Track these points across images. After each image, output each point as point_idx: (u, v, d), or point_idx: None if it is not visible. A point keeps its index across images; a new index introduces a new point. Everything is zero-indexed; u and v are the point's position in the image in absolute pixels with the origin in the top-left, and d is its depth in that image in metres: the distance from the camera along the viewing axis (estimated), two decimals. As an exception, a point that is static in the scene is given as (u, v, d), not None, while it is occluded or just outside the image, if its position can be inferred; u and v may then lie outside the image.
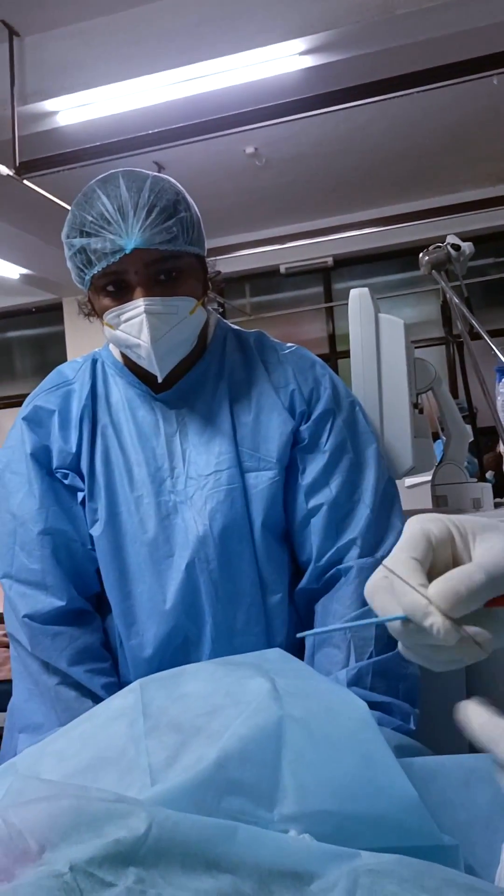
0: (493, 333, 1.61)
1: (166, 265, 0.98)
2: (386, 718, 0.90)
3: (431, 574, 0.50)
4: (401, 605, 0.49)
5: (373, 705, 0.86)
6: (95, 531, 1.06)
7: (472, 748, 1.07)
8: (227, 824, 0.60)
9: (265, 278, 6.51)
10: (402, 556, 0.51)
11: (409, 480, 2.13)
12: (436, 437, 1.84)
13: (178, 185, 1.03)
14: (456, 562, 0.51)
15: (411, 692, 0.96)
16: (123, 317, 0.98)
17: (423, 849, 0.66)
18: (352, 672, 0.94)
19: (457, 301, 1.46)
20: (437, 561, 0.51)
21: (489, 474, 4.34)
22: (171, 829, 0.57)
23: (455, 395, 4.17)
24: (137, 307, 0.97)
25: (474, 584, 0.47)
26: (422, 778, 0.75)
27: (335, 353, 6.48)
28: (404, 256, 5.84)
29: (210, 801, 0.66)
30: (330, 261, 6.03)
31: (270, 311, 6.67)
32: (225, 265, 5.70)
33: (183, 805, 0.63)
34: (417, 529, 0.52)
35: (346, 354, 1.20)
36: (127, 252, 0.95)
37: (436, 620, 0.47)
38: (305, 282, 6.63)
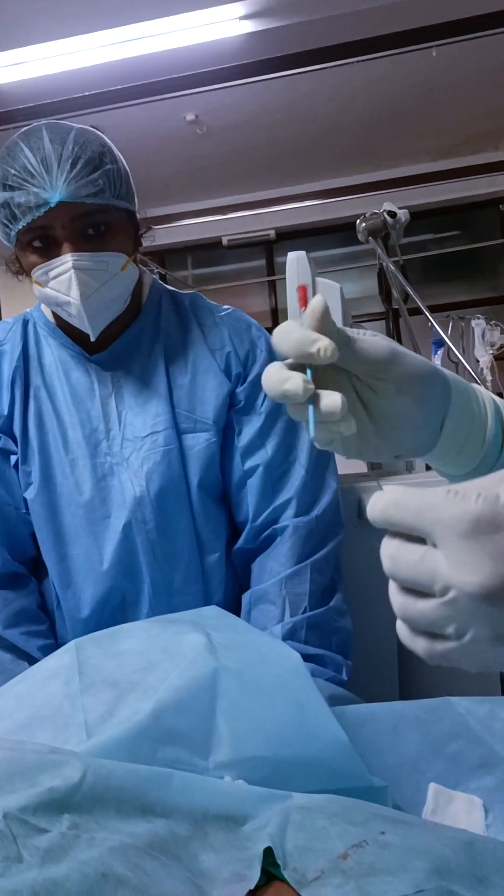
0: (432, 309, 1.63)
1: (93, 219, 0.96)
2: (319, 670, 0.92)
3: None
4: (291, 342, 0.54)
5: (307, 657, 0.88)
6: (30, 494, 1.05)
7: (401, 696, 1.11)
8: (162, 771, 0.61)
9: (207, 250, 6.44)
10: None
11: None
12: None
13: (104, 137, 1.00)
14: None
15: (344, 645, 0.99)
16: (51, 273, 0.96)
17: (354, 790, 0.68)
18: (287, 626, 0.96)
19: (392, 269, 1.48)
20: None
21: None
22: (106, 776, 0.58)
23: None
24: (65, 263, 0.95)
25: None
26: (353, 724, 0.78)
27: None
28: (345, 231, 5.85)
29: (146, 751, 0.67)
30: (272, 233, 6.00)
31: (213, 283, 6.61)
32: (166, 235, 5.64)
33: (119, 756, 0.63)
34: None
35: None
36: (52, 205, 0.92)
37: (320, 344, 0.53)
38: (248, 255, 6.59)
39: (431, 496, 0.40)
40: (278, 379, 0.54)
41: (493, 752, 0.76)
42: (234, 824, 0.60)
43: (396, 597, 0.42)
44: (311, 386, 0.53)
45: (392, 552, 0.41)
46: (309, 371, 0.54)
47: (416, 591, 0.40)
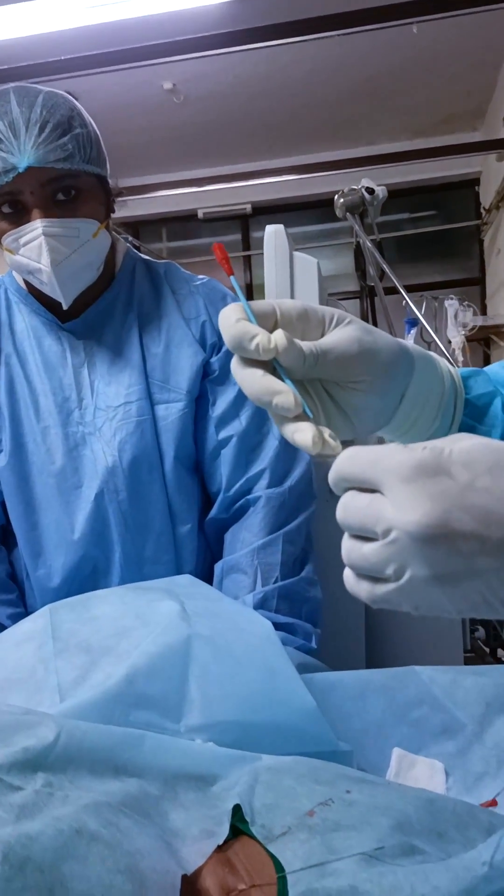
0: (408, 289, 1.64)
1: (63, 184, 0.95)
2: (289, 638, 0.94)
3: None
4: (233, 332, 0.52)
5: (277, 626, 0.90)
6: (0, 462, 1.04)
7: (368, 665, 1.13)
8: (135, 732, 0.63)
9: (182, 223, 6.38)
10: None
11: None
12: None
13: (73, 100, 0.99)
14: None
15: (313, 614, 1.01)
16: (22, 240, 0.95)
17: (321, 754, 0.70)
18: (258, 596, 0.97)
19: (369, 245, 1.49)
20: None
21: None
22: (80, 737, 0.59)
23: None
24: (35, 229, 0.94)
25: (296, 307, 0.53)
26: (321, 690, 0.80)
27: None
28: (321, 207, 5.83)
29: (118, 714, 0.68)
30: (248, 207, 5.95)
31: (188, 257, 6.54)
32: (141, 206, 5.56)
33: (92, 719, 0.64)
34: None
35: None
36: (20, 171, 0.91)
37: (260, 338, 0.51)
38: (223, 228, 6.53)
39: (383, 449, 0.42)
40: (264, 389, 0.52)
41: (454, 718, 0.78)
42: (204, 784, 0.62)
43: (345, 543, 0.44)
44: (300, 402, 0.51)
45: (345, 501, 0.44)
46: (281, 369, 0.53)
47: (363, 537, 0.43)
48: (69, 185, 0.95)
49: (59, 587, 1.03)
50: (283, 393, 0.51)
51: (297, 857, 0.51)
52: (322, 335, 0.55)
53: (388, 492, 0.41)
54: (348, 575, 0.45)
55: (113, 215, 1.07)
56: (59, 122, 0.93)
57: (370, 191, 1.45)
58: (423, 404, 0.61)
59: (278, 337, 0.52)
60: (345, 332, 0.55)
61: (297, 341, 0.53)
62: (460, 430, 0.63)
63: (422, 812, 0.55)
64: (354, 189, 1.48)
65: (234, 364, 0.54)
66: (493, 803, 0.70)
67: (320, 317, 0.56)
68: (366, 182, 1.48)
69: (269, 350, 0.51)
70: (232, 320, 0.53)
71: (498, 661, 1.82)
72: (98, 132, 1.01)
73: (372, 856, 0.50)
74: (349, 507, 0.43)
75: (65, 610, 0.84)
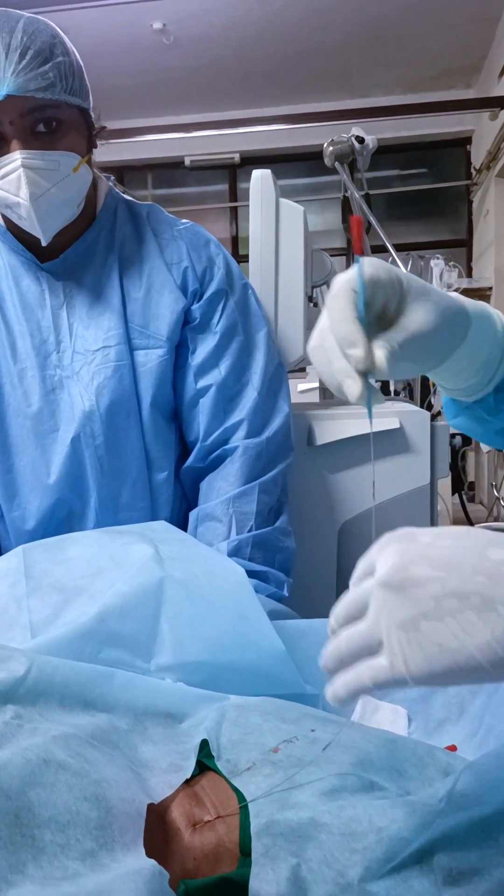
0: (395, 248, 1.62)
1: (44, 115, 0.91)
2: (262, 586, 0.95)
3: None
4: (330, 370, 0.55)
5: (250, 573, 0.91)
6: (-24, 403, 1.03)
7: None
8: (105, 669, 0.63)
9: (169, 169, 6.24)
10: (340, 291, 0.55)
11: (301, 386, 2.18)
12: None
13: (55, 27, 0.95)
14: (385, 311, 0.56)
15: (286, 563, 1.02)
16: (0, 172, 0.92)
17: (288, 696, 0.71)
18: (232, 544, 0.98)
19: (357, 196, 1.46)
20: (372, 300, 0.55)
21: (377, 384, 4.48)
22: (51, 672, 0.60)
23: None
24: (14, 161, 0.91)
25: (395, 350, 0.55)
26: (291, 636, 0.81)
27: (238, 258, 6.32)
28: (310, 160, 5.74)
29: (89, 652, 0.68)
30: (237, 157, 5.83)
31: (173, 205, 6.42)
32: (126, 150, 5.43)
33: (62, 656, 0.65)
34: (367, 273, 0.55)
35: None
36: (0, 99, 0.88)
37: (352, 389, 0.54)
38: (211, 177, 6.40)
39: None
40: (337, 371, 0.54)
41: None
42: (173, 721, 0.63)
43: (329, 654, 0.48)
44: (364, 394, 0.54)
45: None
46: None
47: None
48: (50, 116, 0.92)
49: (34, 530, 1.03)
50: (353, 381, 0.53)
51: (261, 791, 0.52)
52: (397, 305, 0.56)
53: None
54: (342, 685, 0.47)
55: (97, 159, 1.04)
56: (40, 50, 0.89)
57: (360, 140, 1.42)
58: (473, 356, 0.62)
59: (379, 359, 0.53)
60: (421, 319, 0.56)
61: (383, 352, 0.53)
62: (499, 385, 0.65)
63: (382, 751, 0.56)
64: (344, 137, 1.45)
65: (323, 326, 0.55)
66: (453, 748, 0.72)
67: (406, 289, 0.56)
68: (356, 131, 1.45)
69: (363, 367, 0.53)
70: (341, 314, 0.54)
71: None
72: (81, 62, 0.97)
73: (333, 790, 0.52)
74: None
75: (39, 550, 0.84)
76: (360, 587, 0.46)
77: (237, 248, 6.43)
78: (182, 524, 1.07)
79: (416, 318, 0.56)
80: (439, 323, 0.57)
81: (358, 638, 0.45)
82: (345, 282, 0.55)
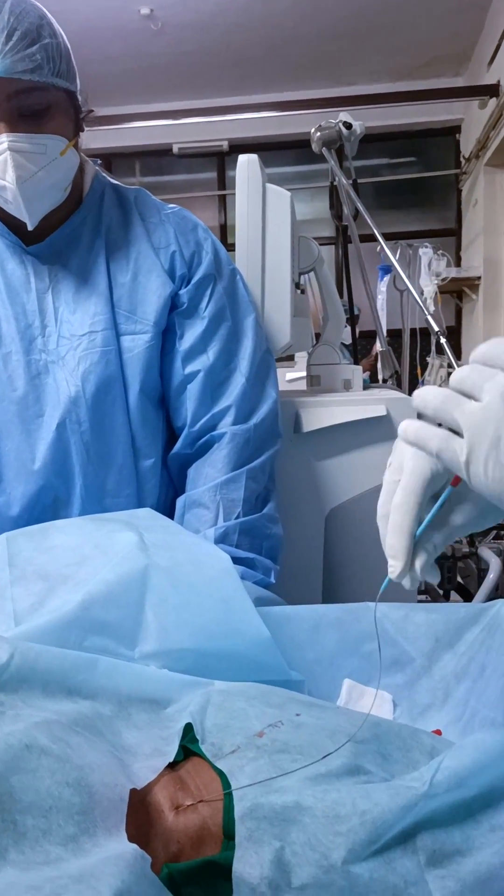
0: (384, 237, 1.61)
1: (31, 98, 0.90)
2: (249, 572, 0.95)
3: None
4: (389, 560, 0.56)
5: (237, 560, 0.90)
6: (-40, 387, 1.02)
7: (324, 601, 1.14)
8: (89, 656, 0.63)
9: (157, 157, 6.19)
10: (406, 500, 0.55)
11: (289, 375, 2.18)
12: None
13: (42, 8, 0.93)
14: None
15: (273, 550, 1.02)
16: None
17: (273, 683, 0.71)
18: (219, 530, 0.97)
19: (344, 182, 1.46)
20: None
21: (364, 376, 4.49)
22: (34, 658, 0.59)
23: (342, 295, 4.22)
24: (0, 144, 0.90)
25: (438, 549, 0.56)
26: (276, 622, 0.81)
27: (227, 246, 6.28)
28: (298, 148, 5.72)
29: (73, 640, 0.68)
30: (225, 145, 5.80)
31: (161, 193, 6.36)
32: (114, 138, 5.38)
33: (47, 643, 0.64)
34: (421, 474, 0.55)
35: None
36: None
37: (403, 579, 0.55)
38: (199, 165, 6.36)
39: None
40: (387, 544, 0.55)
41: (404, 652, 0.80)
42: (157, 707, 0.63)
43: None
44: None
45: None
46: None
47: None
48: (37, 99, 0.91)
49: (19, 516, 1.02)
50: (401, 560, 0.54)
51: (245, 775, 0.52)
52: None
53: None
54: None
55: (84, 146, 1.03)
56: (27, 31, 0.88)
57: (348, 125, 1.42)
58: None
59: (417, 568, 0.54)
60: (469, 512, 0.56)
61: (421, 562, 0.54)
62: None
63: (368, 735, 0.56)
64: (332, 123, 1.44)
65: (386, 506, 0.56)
66: (438, 733, 0.72)
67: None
68: (344, 116, 1.44)
69: (399, 578, 0.55)
70: (402, 528, 0.54)
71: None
72: (68, 44, 0.96)
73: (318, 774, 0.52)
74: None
75: (23, 538, 0.84)
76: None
77: (226, 237, 6.40)
78: (169, 511, 1.07)
79: (467, 510, 0.56)
80: (489, 505, 0.55)
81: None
82: (418, 482, 0.54)
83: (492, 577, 1.42)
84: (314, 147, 1.49)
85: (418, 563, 0.54)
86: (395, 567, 0.54)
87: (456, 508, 0.56)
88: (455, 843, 0.48)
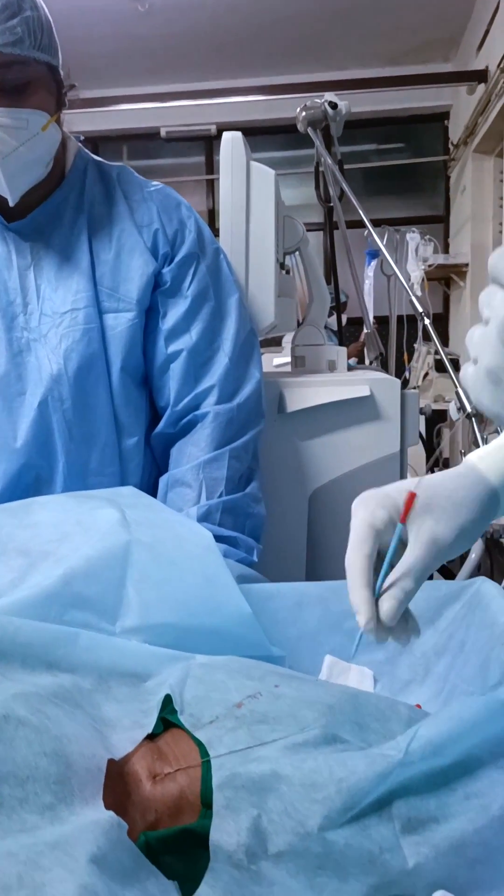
0: (372, 223, 1.61)
1: (11, 72, 0.89)
2: (231, 551, 0.95)
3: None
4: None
5: (220, 539, 0.90)
6: None
7: (307, 580, 1.14)
8: (69, 630, 0.63)
9: (144, 141, 6.13)
10: (354, 556, 0.58)
11: (277, 360, 2.17)
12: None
13: None
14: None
15: (256, 529, 1.02)
16: None
17: (254, 658, 0.71)
18: (202, 509, 0.97)
19: (329, 162, 1.45)
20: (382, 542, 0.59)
21: (352, 361, 4.49)
22: (13, 632, 0.59)
23: (329, 282, 4.21)
24: None
25: (406, 596, 0.57)
26: (259, 599, 0.81)
27: (216, 232, 6.25)
28: (288, 133, 5.68)
29: (54, 614, 0.68)
30: (213, 129, 5.74)
31: (149, 177, 6.31)
32: (101, 120, 5.32)
33: (27, 617, 0.64)
34: (365, 522, 0.59)
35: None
36: None
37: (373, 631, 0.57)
38: (187, 149, 6.30)
39: None
40: (354, 598, 0.57)
41: (386, 628, 0.81)
42: (138, 680, 0.63)
43: None
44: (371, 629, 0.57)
45: None
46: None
47: None
48: (18, 73, 0.90)
49: (1, 494, 1.01)
50: (364, 613, 0.56)
51: (223, 745, 0.52)
52: None
53: None
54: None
55: (71, 128, 1.02)
56: (7, 3, 0.87)
57: (333, 105, 1.41)
58: None
59: (385, 616, 0.56)
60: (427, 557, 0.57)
61: (389, 609, 0.57)
62: None
63: (346, 705, 0.57)
64: (318, 103, 1.44)
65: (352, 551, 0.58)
66: (418, 707, 0.72)
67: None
68: (329, 96, 1.43)
69: (369, 630, 0.57)
70: (358, 582, 0.57)
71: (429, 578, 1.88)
72: (50, 17, 0.94)
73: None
74: None
75: (4, 515, 0.83)
76: None
77: (214, 221, 6.35)
78: (153, 490, 1.07)
79: (423, 552, 0.57)
80: (455, 538, 0.57)
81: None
82: (365, 533, 0.58)
83: (474, 556, 1.43)
84: (300, 127, 1.49)
85: (384, 612, 0.56)
86: (361, 621, 0.56)
87: (413, 545, 0.58)
88: (430, 811, 0.48)
